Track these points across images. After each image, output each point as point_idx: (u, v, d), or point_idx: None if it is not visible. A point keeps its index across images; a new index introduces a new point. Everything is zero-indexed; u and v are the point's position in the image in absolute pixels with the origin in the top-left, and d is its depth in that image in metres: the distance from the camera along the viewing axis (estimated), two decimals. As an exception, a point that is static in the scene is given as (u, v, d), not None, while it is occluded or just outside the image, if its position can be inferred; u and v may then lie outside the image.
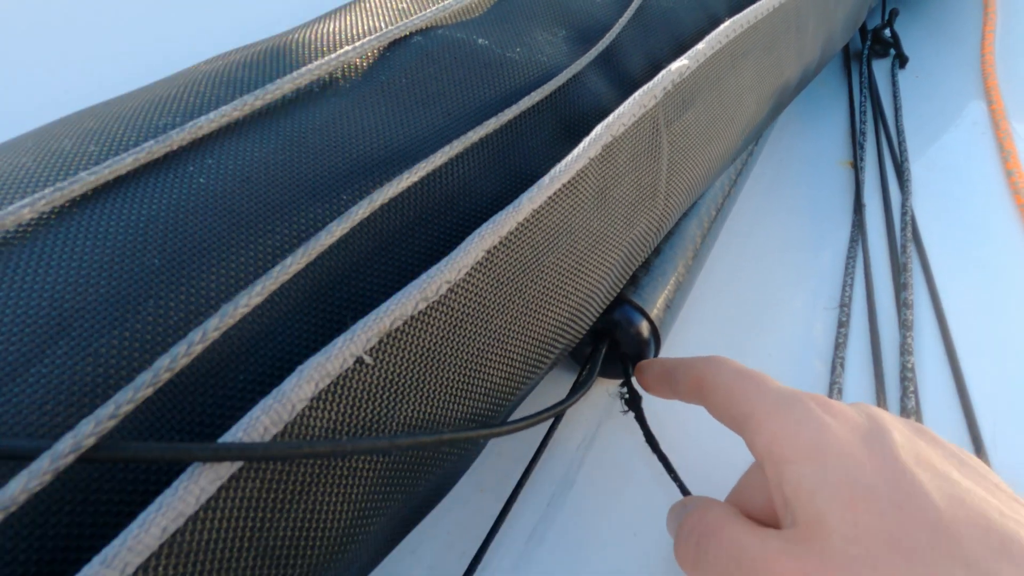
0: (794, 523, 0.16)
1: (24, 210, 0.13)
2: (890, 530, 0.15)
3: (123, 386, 0.12)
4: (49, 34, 0.35)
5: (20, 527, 0.11)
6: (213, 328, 0.12)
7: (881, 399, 0.27)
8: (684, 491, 0.24)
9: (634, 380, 0.26)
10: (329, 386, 0.14)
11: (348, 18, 0.23)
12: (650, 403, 0.26)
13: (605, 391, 0.28)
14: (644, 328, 0.27)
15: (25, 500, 0.10)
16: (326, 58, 0.19)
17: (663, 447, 0.25)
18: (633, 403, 0.27)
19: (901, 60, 0.52)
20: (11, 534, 0.10)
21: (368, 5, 0.24)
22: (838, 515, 0.15)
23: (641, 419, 0.26)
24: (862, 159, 0.41)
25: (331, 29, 0.22)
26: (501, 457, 0.25)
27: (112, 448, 0.11)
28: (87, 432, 0.10)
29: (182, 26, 0.39)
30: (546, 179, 0.18)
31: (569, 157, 0.19)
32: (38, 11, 0.36)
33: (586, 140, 0.20)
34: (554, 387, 0.27)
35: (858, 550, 0.14)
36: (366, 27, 0.22)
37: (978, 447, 0.26)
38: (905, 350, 0.29)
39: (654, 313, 0.27)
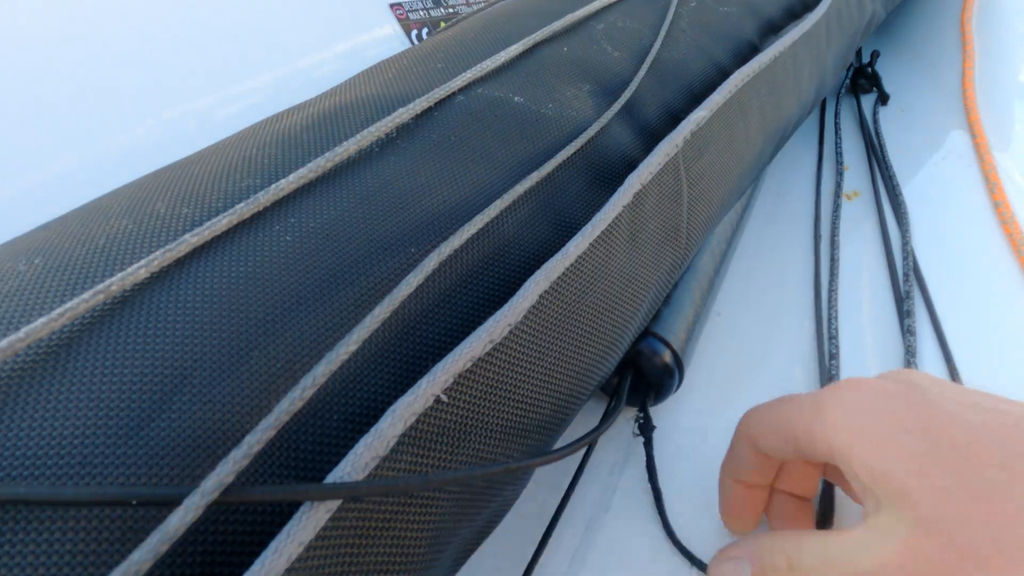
0: (879, 507, 0.17)
1: (140, 271, 0.15)
2: (961, 477, 0.16)
3: (238, 431, 0.14)
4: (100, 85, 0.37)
5: (172, 556, 0.12)
6: (321, 374, 0.14)
7: None
8: (668, 528, 0.25)
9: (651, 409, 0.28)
10: (415, 423, 0.15)
11: (386, 76, 0.25)
12: (661, 436, 0.27)
13: (633, 418, 0.30)
14: (668, 357, 0.28)
15: (182, 534, 0.11)
16: (383, 120, 0.21)
17: (670, 478, 0.26)
18: (646, 430, 0.28)
19: (883, 98, 0.55)
20: (167, 562, 0.12)
21: (403, 63, 0.26)
22: (916, 486, 0.17)
23: (648, 447, 0.28)
24: (820, 191, 0.45)
25: (374, 91, 0.24)
26: (538, 485, 0.27)
27: (243, 491, 0.12)
28: (227, 471, 0.12)
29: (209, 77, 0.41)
30: (588, 227, 0.20)
31: (607, 205, 0.21)
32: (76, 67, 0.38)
33: (620, 189, 0.22)
34: (581, 416, 0.29)
35: (946, 509, 0.16)
36: (409, 87, 0.24)
37: None
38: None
39: (676, 343, 0.29)
